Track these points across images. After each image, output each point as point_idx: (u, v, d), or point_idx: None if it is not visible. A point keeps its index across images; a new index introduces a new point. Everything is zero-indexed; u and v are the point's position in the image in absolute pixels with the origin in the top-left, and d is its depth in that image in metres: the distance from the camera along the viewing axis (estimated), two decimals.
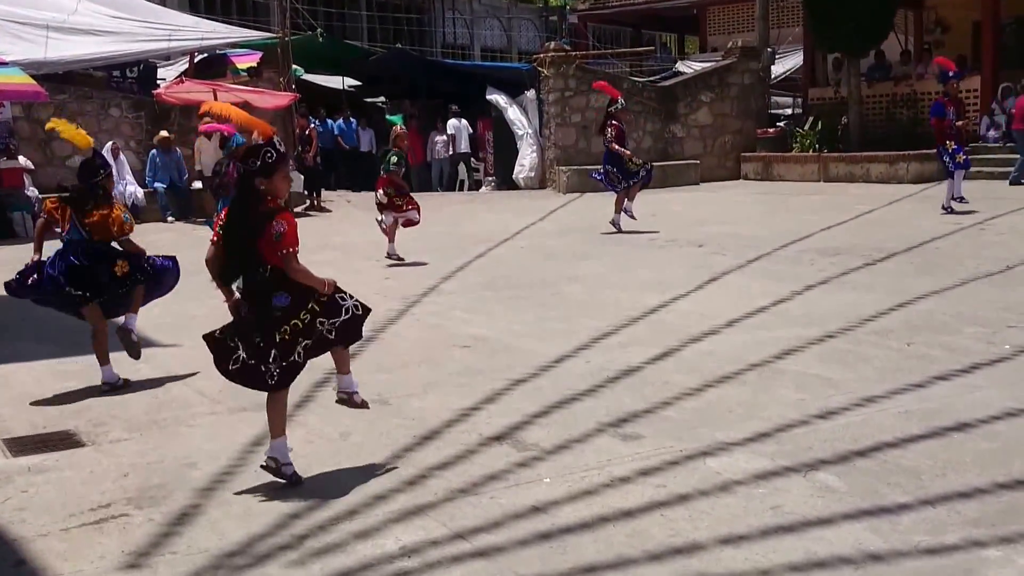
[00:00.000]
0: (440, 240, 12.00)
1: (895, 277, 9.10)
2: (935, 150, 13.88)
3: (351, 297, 4.72)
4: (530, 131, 20.06)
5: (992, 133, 18.57)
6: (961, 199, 13.26)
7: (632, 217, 13.07)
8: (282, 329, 4.45)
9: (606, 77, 19.32)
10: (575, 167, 18.94)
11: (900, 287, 8.55)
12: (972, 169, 15.92)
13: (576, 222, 14.39)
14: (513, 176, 20.60)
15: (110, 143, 15.61)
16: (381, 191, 11.07)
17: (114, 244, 6.33)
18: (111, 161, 6.34)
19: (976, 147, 18.67)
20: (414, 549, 3.82)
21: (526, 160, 20.26)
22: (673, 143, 20.97)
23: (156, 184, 16.48)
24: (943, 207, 13.27)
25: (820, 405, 5.37)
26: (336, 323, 4.61)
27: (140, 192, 16.19)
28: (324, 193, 18.29)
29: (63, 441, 5.26)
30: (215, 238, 4.56)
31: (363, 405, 5.00)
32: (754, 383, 5.89)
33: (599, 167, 13.50)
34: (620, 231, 12.88)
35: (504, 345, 7.15)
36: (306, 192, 17.72)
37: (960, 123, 13.37)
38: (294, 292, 4.46)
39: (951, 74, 13.71)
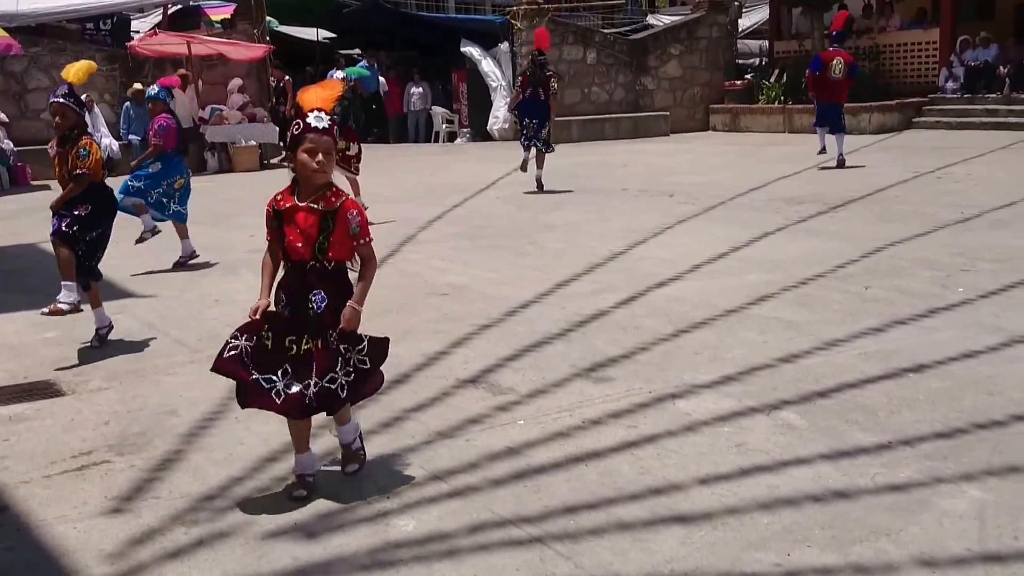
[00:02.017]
0: (416, 190, 12.04)
1: (856, 224, 9.29)
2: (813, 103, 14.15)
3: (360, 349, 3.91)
4: (504, 83, 20.02)
5: (950, 84, 18.84)
6: (823, 150, 13.53)
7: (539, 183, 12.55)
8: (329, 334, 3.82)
9: (578, 30, 19.28)
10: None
11: (860, 233, 8.73)
12: (931, 120, 16.13)
13: (550, 172, 14.44)
14: (487, 128, 20.58)
15: (84, 96, 15.44)
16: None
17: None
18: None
19: (935, 98, 18.96)
20: (392, 489, 3.93)
21: (500, 112, 20.24)
22: (644, 95, 21.04)
23: (131, 136, 16.35)
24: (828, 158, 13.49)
25: (783, 348, 5.54)
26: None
27: (115, 145, 16.09)
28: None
29: (44, 391, 5.32)
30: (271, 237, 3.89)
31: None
32: (721, 327, 6.05)
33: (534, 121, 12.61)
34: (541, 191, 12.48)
35: (480, 293, 7.26)
36: (282, 144, 17.65)
37: (834, 80, 13.43)
38: (332, 291, 3.81)
39: (834, 34, 13.92)
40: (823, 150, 13.84)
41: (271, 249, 3.90)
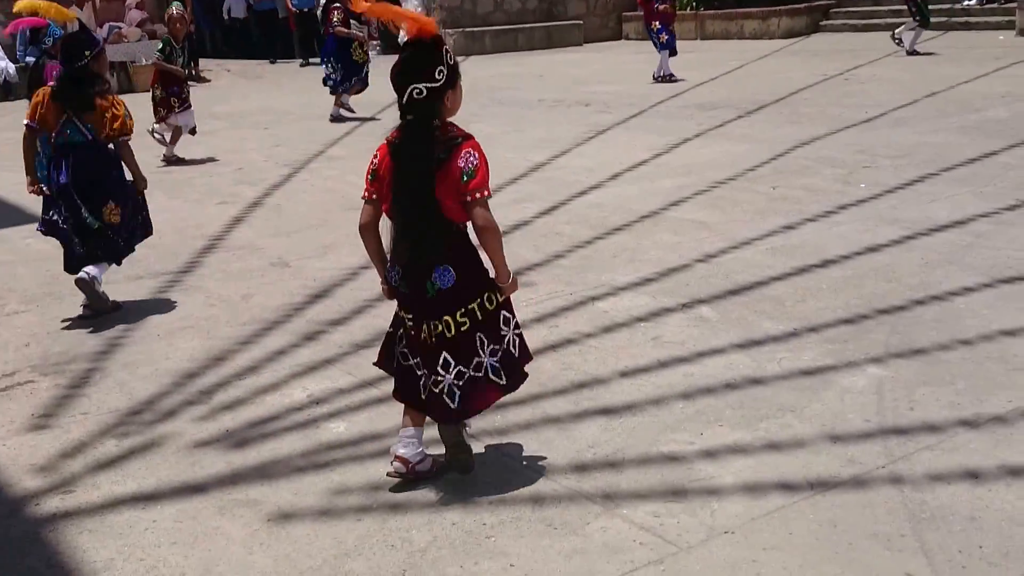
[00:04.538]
0: (325, 107, 11.84)
1: (765, 127, 9.50)
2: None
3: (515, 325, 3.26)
4: None
5: None
6: (671, 76, 13.36)
7: (350, 110, 11.64)
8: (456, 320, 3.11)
9: None
10: (463, 29, 18.69)
11: (769, 136, 8.95)
12: (838, 23, 16.27)
13: (465, 84, 14.28)
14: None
15: None
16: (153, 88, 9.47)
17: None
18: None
19: (842, 0, 19.20)
20: (322, 397, 4.01)
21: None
22: (556, 4, 20.83)
23: (28, 59, 15.61)
24: (654, 77, 13.48)
25: (696, 247, 5.72)
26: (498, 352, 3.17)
27: (12, 68, 15.42)
28: (202, 62, 17.65)
29: None
30: (369, 192, 3.19)
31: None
32: (638, 230, 6.21)
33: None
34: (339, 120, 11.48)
35: None
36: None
37: (662, 7, 13.42)
38: (461, 266, 3.11)
39: None
40: (672, 76, 13.44)
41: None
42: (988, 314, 4.40)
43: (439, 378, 3.11)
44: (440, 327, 3.09)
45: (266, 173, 8.80)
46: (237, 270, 5.89)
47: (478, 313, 3.11)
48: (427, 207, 3.04)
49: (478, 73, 14.82)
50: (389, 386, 4.05)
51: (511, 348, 3.20)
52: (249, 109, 12.41)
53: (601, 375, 4.05)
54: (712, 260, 5.48)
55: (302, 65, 18.53)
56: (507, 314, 3.20)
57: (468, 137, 3.05)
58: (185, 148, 9.62)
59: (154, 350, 4.63)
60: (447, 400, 3.11)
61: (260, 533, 3.03)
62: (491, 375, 3.14)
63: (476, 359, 3.11)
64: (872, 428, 3.42)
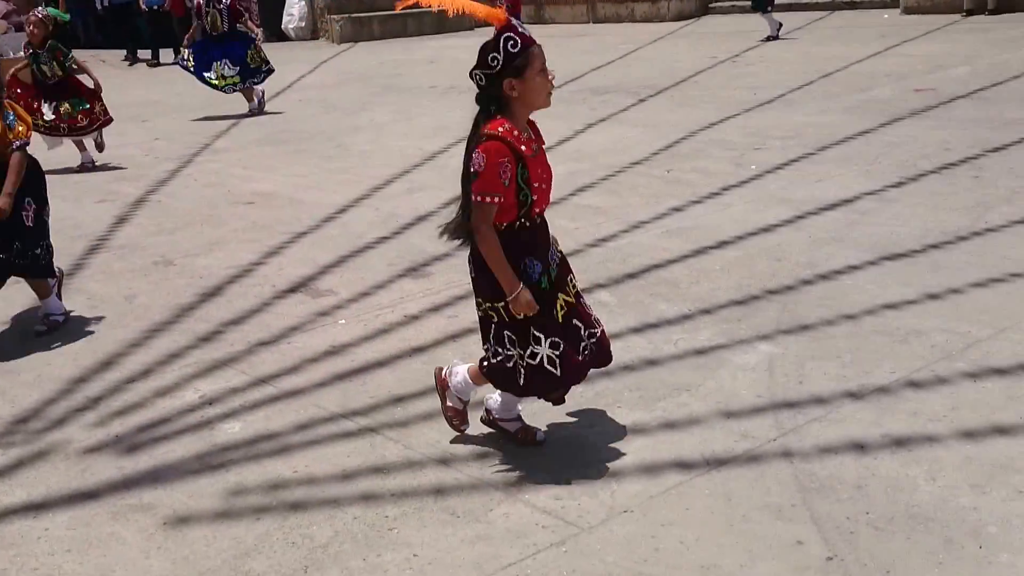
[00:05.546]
0: (206, 96, 11.53)
1: (658, 111, 9.65)
2: None
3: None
4: None
5: None
6: None
7: (261, 103, 11.16)
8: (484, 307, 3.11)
9: None
10: (349, 15, 18.42)
11: (663, 120, 9.09)
12: (727, 4, 16.51)
13: (354, 72, 14.16)
14: (282, 27, 19.78)
15: None
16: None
17: None
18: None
19: None
20: (216, 398, 3.92)
21: (294, 9, 19.47)
22: None
23: None
24: None
25: (593, 232, 5.77)
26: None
27: None
28: (76, 53, 16.94)
29: None
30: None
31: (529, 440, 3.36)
32: None
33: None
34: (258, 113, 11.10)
35: (289, 199, 7.14)
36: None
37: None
38: (477, 267, 3.11)
39: None
40: None
41: (492, 217, 2.97)
42: (873, 289, 4.56)
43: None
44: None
45: (147, 168, 8.53)
46: (120, 270, 5.70)
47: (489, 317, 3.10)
48: (464, 200, 3.04)
49: (367, 60, 14.67)
50: (284, 383, 4.01)
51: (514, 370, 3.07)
52: (126, 102, 11.99)
53: None
54: (609, 244, 5.54)
55: (151, 65, 17.69)
56: (511, 334, 3.05)
57: (492, 137, 2.94)
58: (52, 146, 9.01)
59: (36, 356, 4.44)
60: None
61: (156, 537, 2.96)
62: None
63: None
64: (764, 403, 3.51)
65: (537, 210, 3.03)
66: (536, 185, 2.98)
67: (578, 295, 3.20)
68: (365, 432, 3.53)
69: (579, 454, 3.26)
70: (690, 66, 12.43)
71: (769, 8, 14.50)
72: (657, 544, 2.74)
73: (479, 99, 3.03)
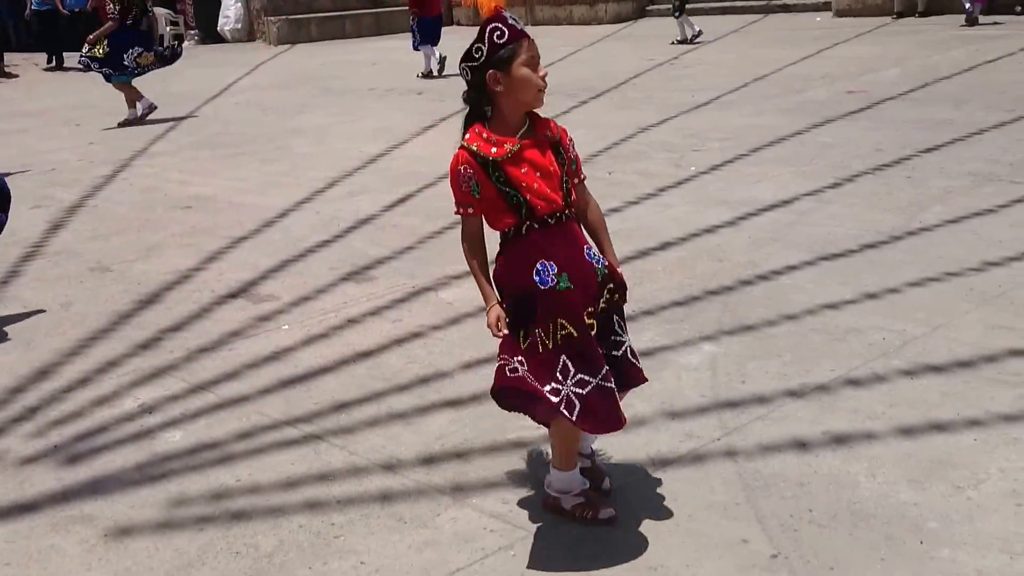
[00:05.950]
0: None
1: (599, 113, 9.72)
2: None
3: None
4: None
5: None
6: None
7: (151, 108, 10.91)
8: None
9: None
10: (286, 16, 18.23)
11: (603, 122, 9.15)
12: (664, 7, 16.60)
13: (292, 74, 14.01)
14: (218, 28, 19.51)
15: None
16: None
17: None
18: None
19: None
20: (156, 406, 3.84)
21: (230, 11, 19.23)
22: None
23: None
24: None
25: None
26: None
27: None
28: (7, 56, 16.56)
29: None
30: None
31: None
32: None
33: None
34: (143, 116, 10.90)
35: (228, 202, 7.04)
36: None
37: None
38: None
39: None
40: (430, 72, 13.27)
41: (472, 229, 2.85)
42: (812, 288, 4.64)
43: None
44: None
45: (81, 173, 8.35)
46: (55, 277, 5.57)
47: None
48: None
49: (306, 62, 14.54)
50: (225, 391, 3.95)
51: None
52: (60, 105, 11.75)
53: (446, 367, 4.04)
54: None
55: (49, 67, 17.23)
56: (506, 358, 2.78)
57: (459, 146, 2.79)
58: None
59: None
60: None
61: (97, 548, 2.89)
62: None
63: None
64: (707, 403, 3.55)
65: (542, 209, 2.76)
66: (525, 184, 2.73)
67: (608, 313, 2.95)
68: (309, 439, 3.49)
69: (525, 457, 3.26)
70: (629, 68, 12.55)
71: (678, 14, 14.70)
72: (604, 545, 2.75)
73: (466, 98, 2.86)
